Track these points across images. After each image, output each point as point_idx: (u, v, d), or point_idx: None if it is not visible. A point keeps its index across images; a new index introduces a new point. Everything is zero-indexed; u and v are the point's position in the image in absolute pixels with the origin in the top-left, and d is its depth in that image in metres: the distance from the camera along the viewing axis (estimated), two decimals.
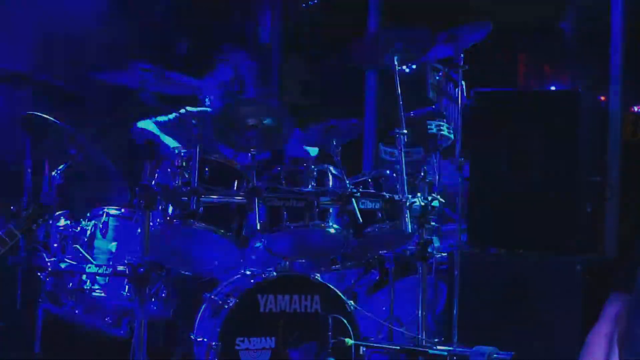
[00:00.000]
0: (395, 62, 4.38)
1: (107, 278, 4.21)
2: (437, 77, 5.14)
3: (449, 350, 3.91)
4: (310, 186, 4.06)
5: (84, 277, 4.23)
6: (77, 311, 4.31)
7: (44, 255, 4.23)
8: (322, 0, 5.58)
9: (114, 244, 4.25)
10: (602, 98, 5.82)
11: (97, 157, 4.48)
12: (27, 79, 4.66)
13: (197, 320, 4.20)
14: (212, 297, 4.19)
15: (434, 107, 5.11)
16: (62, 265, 4.23)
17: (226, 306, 4.04)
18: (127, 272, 3.96)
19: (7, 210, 3.98)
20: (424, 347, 4.05)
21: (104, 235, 4.27)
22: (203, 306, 4.22)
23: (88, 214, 4.35)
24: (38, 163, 4.57)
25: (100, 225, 4.28)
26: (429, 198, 4.24)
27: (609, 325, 2.65)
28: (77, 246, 4.25)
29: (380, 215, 4.19)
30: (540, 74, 7.09)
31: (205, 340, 4.05)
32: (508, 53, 6.75)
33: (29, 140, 4.55)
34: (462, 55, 4.76)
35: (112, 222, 4.29)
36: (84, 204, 4.45)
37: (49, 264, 4.22)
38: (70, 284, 4.24)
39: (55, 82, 5.37)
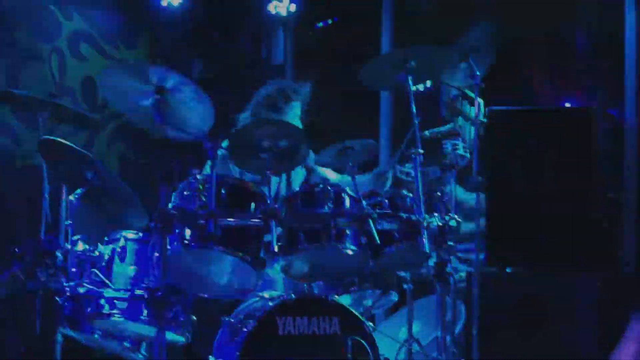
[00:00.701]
0: (410, 82, 4.39)
1: (126, 302, 4.20)
2: (452, 96, 5.13)
3: None
4: (326, 207, 4.06)
5: (102, 301, 4.21)
6: (95, 336, 4.31)
7: (63, 279, 4.22)
8: (334, 20, 5.60)
9: (132, 268, 4.25)
10: (617, 113, 5.81)
11: (114, 181, 4.50)
12: (44, 103, 4.69)
13: (216, 344, 4.19)
14: (231, 320, 4.19)
15: (449, 125, 5.10)
16: (81, 290, 4.22)
17: (245, 329, 4.03)
18: (145, 296, 3.96)
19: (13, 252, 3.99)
20: None
21: (122, 260, 4.25)
22: (221, 329, 4.21)
23: (106, 238, 4.35)
24: (55, 188, 4.60)
25: (119, 250, 4.27)
26: (446, 218, 4.23)
27: (634, 346, 2.62)
28: (96, 270, 4.24)
29: (397, 235, 4.19)
30: (554, 90, 7.07)
31: None
32: (521, 69, 6.73)
33: (46, 165, 4.58)
34: (477, 73, 4.76)
35: (130, 246, 4.28)
36: (101, 228, 4.45)
37: (67, 288, 4.21)
38: (89, 309, 4.22)
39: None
